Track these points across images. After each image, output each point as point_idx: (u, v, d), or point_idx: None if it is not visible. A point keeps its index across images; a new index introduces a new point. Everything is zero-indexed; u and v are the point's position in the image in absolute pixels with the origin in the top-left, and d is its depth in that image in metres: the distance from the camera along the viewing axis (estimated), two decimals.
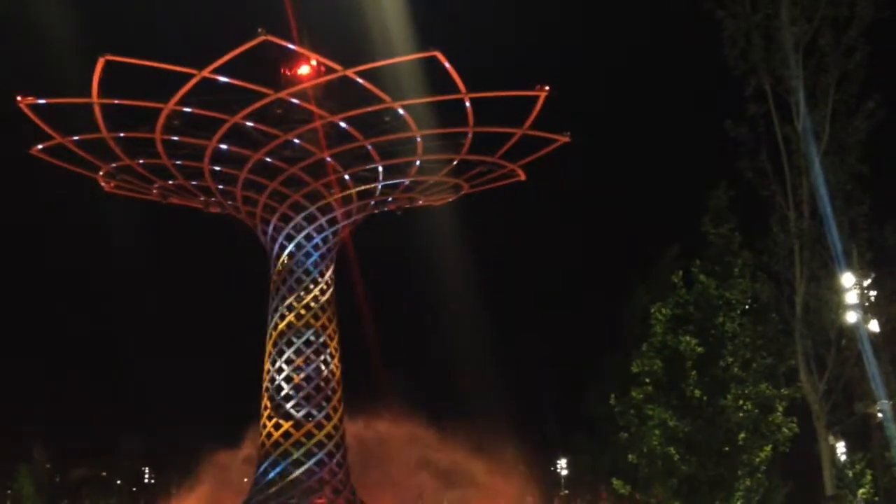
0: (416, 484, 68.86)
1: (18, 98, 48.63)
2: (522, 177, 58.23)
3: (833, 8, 32.90)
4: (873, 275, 32.92)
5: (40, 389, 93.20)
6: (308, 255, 57.40)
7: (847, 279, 31.81)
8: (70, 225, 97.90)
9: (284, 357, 56.75)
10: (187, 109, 49.00)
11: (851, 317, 31.84)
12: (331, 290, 58.35)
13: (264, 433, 56.19)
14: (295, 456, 55.21)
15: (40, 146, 52.74)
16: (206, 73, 45.33)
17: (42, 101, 49.48)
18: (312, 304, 57.31)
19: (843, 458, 38.00)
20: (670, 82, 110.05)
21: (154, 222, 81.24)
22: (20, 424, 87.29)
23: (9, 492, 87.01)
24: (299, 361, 56.76)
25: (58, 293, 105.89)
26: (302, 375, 56.55)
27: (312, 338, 57.05)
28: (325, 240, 57.62)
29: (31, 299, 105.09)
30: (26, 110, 49.32)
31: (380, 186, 57.29)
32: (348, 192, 56.95)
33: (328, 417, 56.22)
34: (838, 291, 32.34)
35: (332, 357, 57.39)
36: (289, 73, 54.61)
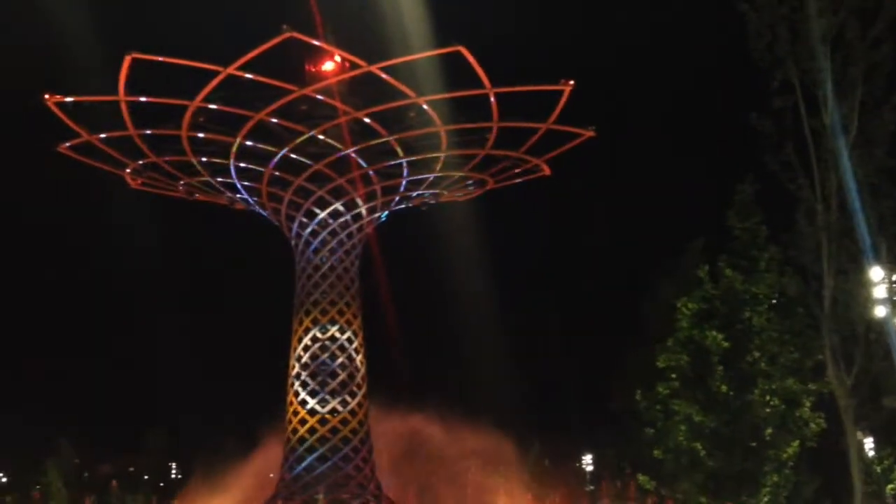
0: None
1: (46, 96, 49.00)
2: (547, 172, 58.20)
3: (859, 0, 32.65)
4: None
5: (68, 386, 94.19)
6: (333, 250, 57.54)
7: (875, 273, 31.58)
8: (93, 223, 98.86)
9: (309, 353, 56.93)
10: (213, 106, 49.24)
11: (880, 311, 31.61)
12: (355, 285, 58.47)
13: (289, 428, 56.41)
14: (320, 451, 55.40)
15: (68, 144, 53.15)
16: (231, 70, 45.56)
17: (69, 100, 49.85)
18: (337, 299, 57.45)
19: (871, 453, 37.76)
20: (694, 76, 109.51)
21: (179, 219, 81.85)
22: (49, 421, 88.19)
23: (38, 486, 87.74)
24: (323, 357, 56.90)
25: (84, 291, 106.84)
26: (327, 371, 56.70)
27: (337, 333, 57.17)
28: (349, 235, 57.74)
29: (57, 298, 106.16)
30: (54, 108, 49.72)
31: (404, 182, 57.38)
32: (373, 187, 57.05)
33: (353, 413, 56.35)
34: (866, 285, 32.10)
35: (357, 352, 57.51)
36: (313, 70, 54.74)
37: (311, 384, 56.52)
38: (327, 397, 56.29)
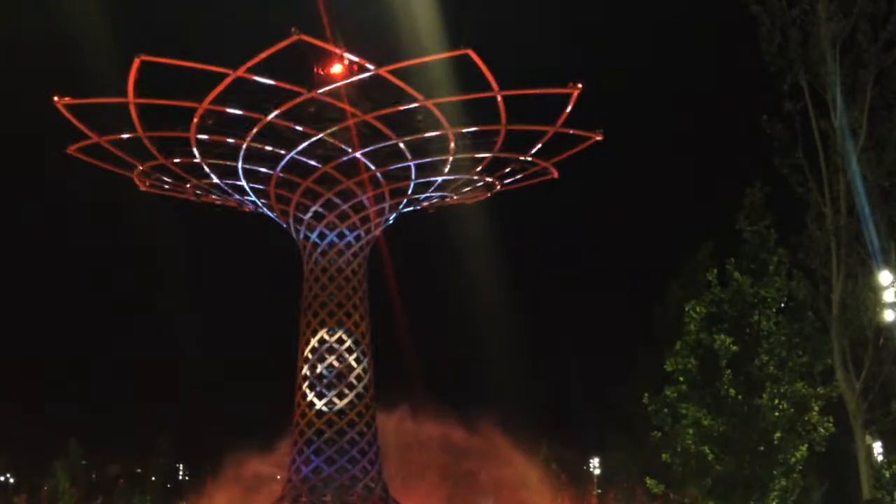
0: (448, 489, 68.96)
1: (55, 98, 49.10)
2: (555, 175, 58.16)
3: (871, 3, 32.54)
4: None
5: (76, 387, 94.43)
6: (340, 252, 57.52)
7: (885, 277, 31.50)
8: (97, 222, 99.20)
9: (316, 355, 56.92)
10: (221, 109, 49.30)
11: (889, 315, 31.53)
12: (363, 287, 58.45)
13: (296, 430, 56.43)
14: (327, 453, 55.39)
15: (76, 146, 53.29)
16: (239, 72, 45.65)
17: (79, 102, 49.96)
18: (344, 301, 57.43)
19: (879, 458, 37.64)
20: (705, 78, 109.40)
21: (185, 219, 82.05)
22: (57, 422, 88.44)
23: (45, 488, 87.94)
24: (331, 359, 56.89)
25: (94, 293, 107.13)
26: (334, 373, 56.69)
27: (344, 336, 57.16)
28: (357, 238, 57.73)
29: (67, 299, 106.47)
30: (63, 110, 49.82)
31: (412, 184, 57.35)
32: (380, 190, 57.03)
33: (360, 415, 56.34)
34: (876, 289, 32.04)
35: (364, 355, 57.48)
36: (322, 73, 54.77)
37: (319, 386, 56.53)
38: (334, 399, 56.29)
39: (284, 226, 59.24)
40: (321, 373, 56.78)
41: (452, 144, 53.10)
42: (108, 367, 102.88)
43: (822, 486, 41.17)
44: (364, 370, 57.23)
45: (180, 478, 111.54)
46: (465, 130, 52.62)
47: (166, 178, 57.98)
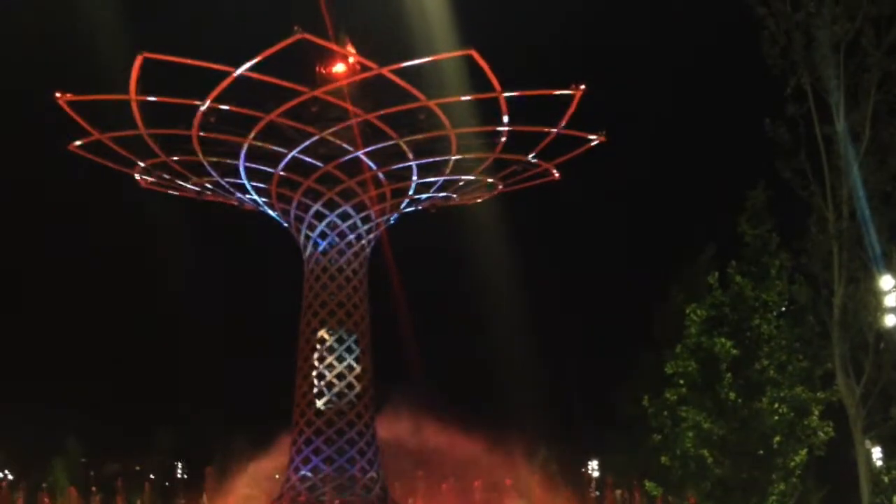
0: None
1: (57, 94, 49.08)
2: (557, 176, 58.14)
3: (876, 6, 32.38)
4: None
5: (75, 385, 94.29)
6: (341, 252, 57.48)
7: (886, 282, 31.42)
8: (100, 221, 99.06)
9: (316, 355, 56.90)
10: (224, 107, 49.27)
11: (890, 320, 31.44)
12: (364, 287, 58.42)
13: (296, 430, 56.39)
14: (326, 453, 55.36)
15: (78, 143, 53.26)
16: (241, 70, 45.63)
17: (81, 98, 49.93)
18: (344, 301, 57.39)
19: (878, 463, 37.53)
20: (707, 81, 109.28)
21: (190, 219, 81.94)
22: (55, 420, 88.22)
23: (43, 485, 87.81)
24: (331, 359, 56.87)
25: (93, 290, 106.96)
26: (333, 373, 56.64)
27: (344, 336, 57.15)
28: (358, 238, 57.69)
29: (65, 297, 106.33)
30: (65, 107, 49.79)
31: (414, 185, 57.31)
32: (382, 189, 56.99)
33: (360, 415, 56.31)
34: (877, 294, 31.92)
35: (365, 354, 57.45)
36: (324, 72, 54.76)
37: (318, 386, 56.50)
38: (333, 399, 56.27)
39: (286, 225, 59.20)
40: (321, 372, 56.79)
41: (453, 143, 53.11)
42: (107, 366, 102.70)
43: (821, 491, 41.05)
44: (364, 370, 57.20)
45: (178, 476, 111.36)
46: (466, 131, 52.62)
47: (167, 176, 57.97)
